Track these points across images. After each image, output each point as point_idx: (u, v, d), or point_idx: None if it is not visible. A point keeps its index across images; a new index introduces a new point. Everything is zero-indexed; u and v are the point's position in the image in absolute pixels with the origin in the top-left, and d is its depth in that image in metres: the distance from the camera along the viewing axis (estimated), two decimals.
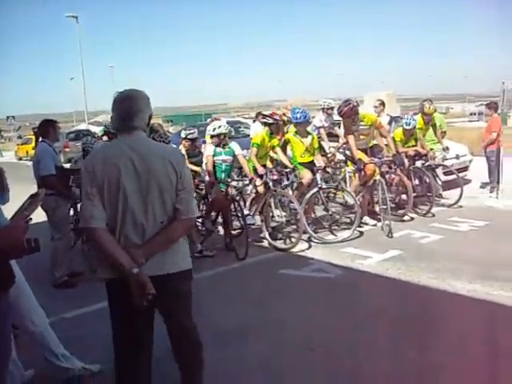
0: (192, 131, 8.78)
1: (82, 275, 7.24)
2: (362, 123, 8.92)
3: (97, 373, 4.48)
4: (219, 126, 8.09)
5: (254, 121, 12.90)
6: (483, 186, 11.98)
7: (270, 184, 8.15)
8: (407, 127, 9.99)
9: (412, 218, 9.54)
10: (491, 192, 11.39)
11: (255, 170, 8.35)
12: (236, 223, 8.63)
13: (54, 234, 7.05)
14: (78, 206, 7.74)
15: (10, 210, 3.01)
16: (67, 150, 27.54)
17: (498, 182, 11.17)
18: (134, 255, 3.04)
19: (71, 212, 7.94)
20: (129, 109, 3.18)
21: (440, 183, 10.72)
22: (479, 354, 4.52)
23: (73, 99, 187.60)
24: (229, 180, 8.11)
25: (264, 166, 8.50)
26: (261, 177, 8.30)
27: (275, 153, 9.04)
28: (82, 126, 45.01)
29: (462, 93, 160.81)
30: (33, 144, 17.84)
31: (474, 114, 73.11)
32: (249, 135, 13.77)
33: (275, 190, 8.16)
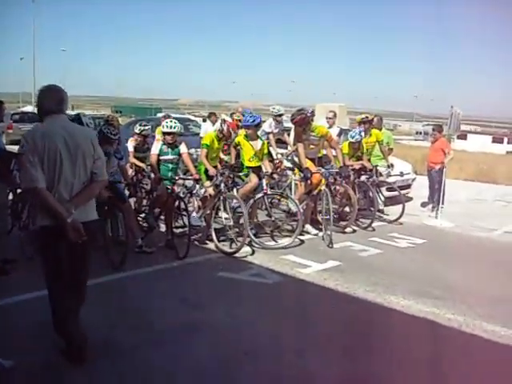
0: (147, 128, 8.70)
1: (16, 263, 6.96)
2: (312, 133, 8.99)
3: (8, 369, 4.26)
4: (175, 126, 8.05)
5: (205, 120, 12.81)
6: (424, 204, 12.25)
7: (222, 186, 8.09)
8: (352, 140, 10.13)
9: (354, 231, 9.67)
10: (432, 211, 11.65)
11: (206, 171, 8.29)
12: (180, 222, 8.55)
13: None
14: (18, 191, 7.56)
15: None
16: (10, 131, 26.55)
17: (439, 202, 11.43)
18: (66, 207, 3.97)
19: (10, 197, 7.68)
20: (61, 98, 4.26)
21: (382, 199, 10.92)
22: (408, 368, 4.62)
23: (20, 80, 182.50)
24: (176, 178, 8.04)
25: (215, 167, 8.44)
26: (211, 178, 8.24)
27: (225, 154, 9.03)
28: (28, 108, 43.79)
29: (411, 112, 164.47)
30: None
31: (420, 133, 75.06)
32: (198, 134, 13.70)
33: (225, 193, 8.11)
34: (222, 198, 8.10)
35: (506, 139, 57.38)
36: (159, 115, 19.88)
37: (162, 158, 8.12)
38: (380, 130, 11.35)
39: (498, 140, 56.09)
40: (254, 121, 8.75)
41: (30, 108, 43.42)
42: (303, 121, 8.89)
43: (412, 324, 5.68)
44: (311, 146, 9.12)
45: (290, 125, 12.07)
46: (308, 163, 8.90)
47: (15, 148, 8.34)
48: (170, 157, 8.15)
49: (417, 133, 79.51)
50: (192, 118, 23.30)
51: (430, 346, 5.10)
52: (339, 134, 11.89)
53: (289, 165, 10.48)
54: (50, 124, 4.16)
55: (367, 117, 11.02)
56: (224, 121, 8.67)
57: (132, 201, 8.62)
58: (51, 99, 4.20)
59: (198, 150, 10.10)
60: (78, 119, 7.34)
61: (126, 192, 8.49)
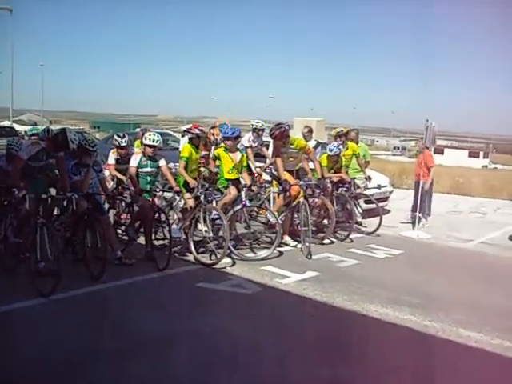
0: (125, 139, 8.76)
1: None
2: (291, 146, 9.11)
3: None
4: (157, 140, 8.14)
5: (183, 135, 12.84)
6: (413, 217, 12.05)
7: (202, 198, 8.14)
8: (331, 153, 10.27)
9: (332, 242, 9.75)
10: (418, 223, 11.64)
11: (186, 183, 8.34)
12: (160, 234, 8.58)
13: None
14: None
15: None
16: None
17: (423, 214, 11.60)
18: None
19: None
20: None
21: (360, 211, 11.04)
22: (388, 375, 4.70)
23: None
24: (157, 190, 8.10)
25: (195, 179, 8.49)
26: (191, 190, 8.29)
27: (202, 166, 9.10)
28: (5, 123, 43.47)
29: (388, 127, 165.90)
30: None
31: (398, 148, 75.79)
32: (177, 148, 13.72)
33: (205, 205, 8.15)
34: (201, 209, 8.14)
35: (481, 154, 58.32)
36: (137, 130, 19.90)
37: (140, 170, 8.17)
38: (357, 143, 11.49)
39: (474, 154, 57.04)
40: (233, 133, 8.85)
41: (8, 123, 43.07)
42: (282, 135, 9.03)
43: (390, 331, 5.78)
44: (290, 159, 9.24)
45: (269, 138, 12.19)
46: (286, 175, 9.00)
47: None
48: (148, 169, 8.20)
49: (395, 148, 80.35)
50: (171, 132, 23.33)
51: (408, 352, 5.20)
52: (315, 147, 12.02)
53: (268, 178, 10.58)
54: None
55: (342, 130, 11.17)
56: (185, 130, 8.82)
57: (111, 213, 8.64)
58: None
59: (177, 164, 10.20)
60: (63, 134, 7.31)
61: (106, 204, 8.52)
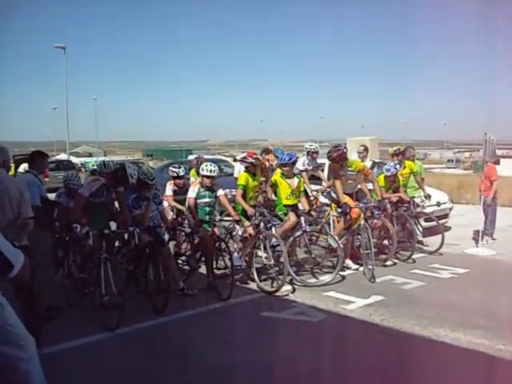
0: (181, 169, 8.87)
1: (61, 310, 7.09)
2: (349, 169, 9.03)
3: None
4: (214, 170, 8.18)
5: (238, 160, 12.87)
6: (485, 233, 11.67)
7: (261, 225, 8.14)
8: (388, 173, 10.14)
9: (394, 263, 9.58)
10: (482, 239, 11.36)
11: (244, 211, 8.36)
12: (220, 263, 8.60)
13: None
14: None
15: None
16: (47, 179, 27.02)
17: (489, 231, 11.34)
18: None
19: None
20: None
21: (421, 230, 10.83)
22: None
23: (53, 129, 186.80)
24: (216, 220, 8.13)
25: (253, 206, 8.50)
26: (250, 218, 8.31)
27: (261, 193, 9.14)
28: (63, 157, 44.72)
29: (441, 139, 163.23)
30: (12, 172, 17.47)
31: (452, 160, 74.29)
32: (231, 174, 13.80)
33: (265, 232, 8.14)
34: (261, 237, 8.13)
35: None
36: (190, 157, 20.12)
37: (199, 201, 8.20)
38: (413, 160, 11.31)
39: None
40: (290, 159, 8.83)
41: (65, 156, 44.33)
42: (340, 157, 8.96)
43: (463, 357, 5.59)
44: (349, 181, 9.14)
45: (323, 161, 12.14)
46: (345, 198, 8.91)
47: (53, 196, 8.61)
48: (207, 200, 8.24)
49: (448, 161, 78.90)
50: (224, 158, 23.55)
51: (484, 378, 5.03)
52: (372, 167, 11.91)
53: (325, 201, 10.50)
54: None
55: (399, 149, 11.03)
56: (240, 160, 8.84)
57: (171, 244, 8.71)
58: None
59: (233, 190, 10.25)
60: (122, 169, 7.48)
61: (166, 236, 8.60)
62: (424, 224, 11.05)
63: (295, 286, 8.13)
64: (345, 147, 9.15)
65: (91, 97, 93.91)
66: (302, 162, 11.36)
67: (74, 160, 42.58)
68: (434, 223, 10.81)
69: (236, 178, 9.78)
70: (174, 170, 8.93)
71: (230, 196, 9.59)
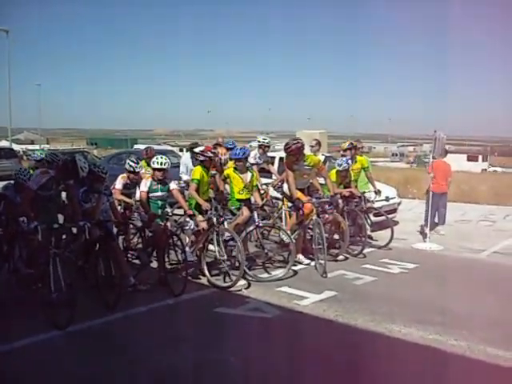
0: (139, 165, 8.68)
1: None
2: (305, 163, 8.98)
3: None
4: (165, 163, 7.99)
5: (187, 150, 12.55)
6: (433, 227, 12.14)
7: (214, 220, 8.04)
8: (340, 168, 10.16)
9: (346, 258, 9.65)
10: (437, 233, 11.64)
11: (198, 205, 8.24)
12: (172, 257, 8.47)
13: None
14: None
15: None
16: None
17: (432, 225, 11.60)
18: None
19: None
20: None
21: (370, 224, 10.93)
22: None
23: None
24: (169, 214, 7.98)
25: (207, 200, 8.39)
26: (203, 212, 8.20)
27: (212, 188, 9.04)
28: (3, 142, 43.34)
29: (385, 133, 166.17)
30: None
31: (396, 154, 75.76)
32: (177, 165, 13.50)
33: (218, 227, 8.06)
34: (214, 231, 8.04)
35: (480, 157, 58.22)
36: (136, 146, 19.80)
37: (151, 194, 8.02)
38: (361, 154, 11.39)
39: (472, 158, 56.84)
40: (244, 153, 8.76)
41: (7, 143, 42.89)
42: (298, 150, 8.86)
43: (416, 352, 5.67)
44: (304, 176, 9.09)
45: (273, 154, 12.11)
46: (298, 193, 8.88)
47: None
48: (159, 193, 8.06)
49: (393, 154, 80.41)
50: (170, 148, 23.22)
51: (437, 373, 5.10)
52: (324, 162, 11.95)
53: (275, 194, 10.46)
54: None
55: (352, 143, 11.07)
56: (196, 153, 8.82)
57: (120, 238, 8.49)
58: None
59: (181, 182, 10.12)
60: (73, 162, 7.28)
61: (114, 229, 8.38)
62: (373, 219, 11.16)
63: (248, 281, 8.07)
64: (302, 141, 9.06)
65: (35, 83, 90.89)
66: (253, 156, 11.27)
67: (16, 147, 41.07)
68: (382, 218, 10.96)
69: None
70: (131, 164, 8.63)
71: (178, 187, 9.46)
